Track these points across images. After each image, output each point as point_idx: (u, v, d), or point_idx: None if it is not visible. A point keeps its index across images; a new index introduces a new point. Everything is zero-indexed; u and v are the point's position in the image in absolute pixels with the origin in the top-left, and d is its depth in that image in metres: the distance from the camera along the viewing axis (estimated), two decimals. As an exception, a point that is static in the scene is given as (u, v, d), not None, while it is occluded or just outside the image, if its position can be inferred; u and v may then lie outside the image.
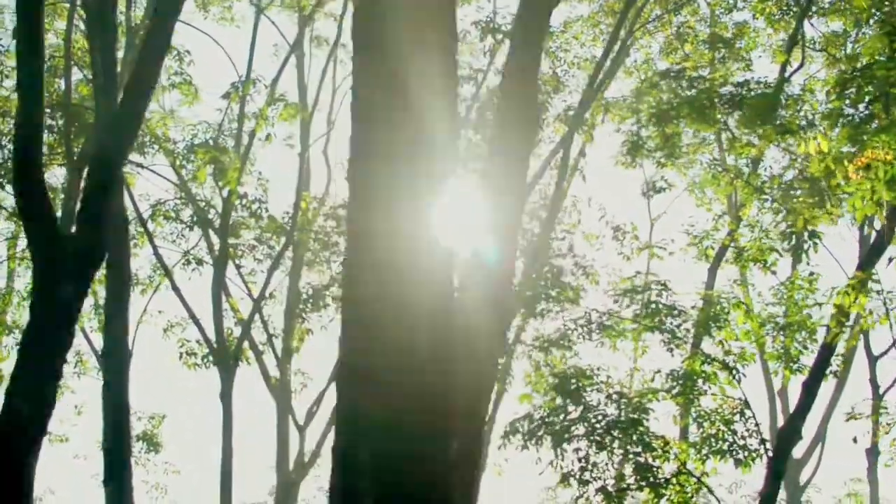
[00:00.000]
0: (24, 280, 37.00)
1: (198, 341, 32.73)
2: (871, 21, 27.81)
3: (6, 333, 35.58)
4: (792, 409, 30.28)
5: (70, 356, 36.10)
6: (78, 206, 16.26)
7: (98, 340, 36.57)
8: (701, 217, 33.05)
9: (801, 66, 29.58)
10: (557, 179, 30.04)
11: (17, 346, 35.18)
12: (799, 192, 24.14)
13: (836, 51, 30.70)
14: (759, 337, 24.61)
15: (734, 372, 23.06)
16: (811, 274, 25.75)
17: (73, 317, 15.26)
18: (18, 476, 14.58)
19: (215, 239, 32.82)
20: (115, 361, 22.06)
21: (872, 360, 32.96)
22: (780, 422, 33.20)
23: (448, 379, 8.44)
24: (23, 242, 35.44)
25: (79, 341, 36.19)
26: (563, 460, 23.59)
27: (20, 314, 36.23)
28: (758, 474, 22.96)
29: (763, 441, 22.43)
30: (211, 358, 31.94)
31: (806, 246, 21.92)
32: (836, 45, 30.92)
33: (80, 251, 15.10)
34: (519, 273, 27.68)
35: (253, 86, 31.06)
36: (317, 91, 34.03)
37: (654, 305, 23.55)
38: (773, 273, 26.46)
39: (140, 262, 35.60)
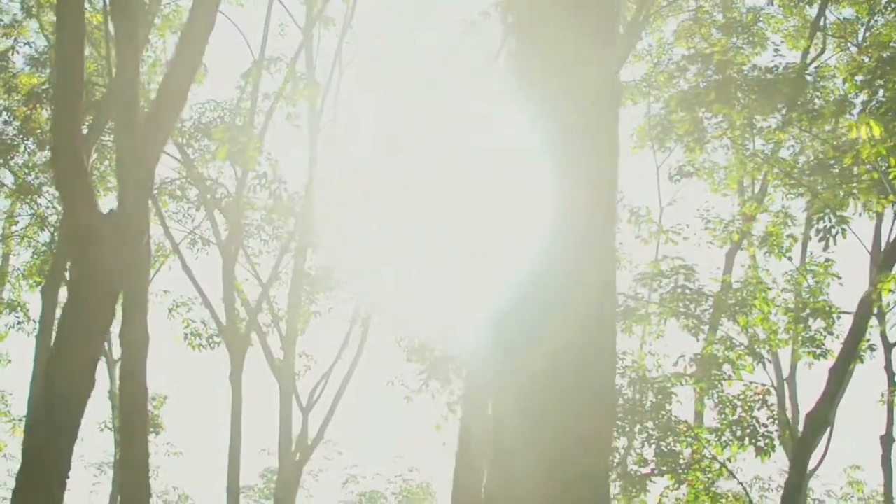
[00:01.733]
0: (21, 258, 36.75)
1: (203, 322, 32.51)
2: (887, 9, 27.75)
3: (7, 312, 35.27)
4: (800, 396, 30.24)
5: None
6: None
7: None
8: (714, 202, 32.94)
9: (823, 52, 29.46)
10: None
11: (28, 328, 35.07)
12: (826, 177, 24.00)
13: (851, 38, 30.60)
14: (771, 323, 24.49)
15: (759, 357, 22.94)
16: (827, 260, 25.67)
17: (114, 294, 15.00)
18: (59, 455, 14.37)
19: (220, 219, 32.60)
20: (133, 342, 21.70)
21: (888, 347, 32.83)
22: (789, 409, 33.12)
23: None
24: (23, 221, 35.21)
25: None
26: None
27: (18, 293, 35.97)
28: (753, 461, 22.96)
29: (789, 428, 22.32)
30: (217, 339, 31.69)
31: (834, 231, 21.77)
32: (848, 31, 30.82)
33: (122, 227, 14.86)
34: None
35: (273, 65, 30.81)
36: (330, 72, 33.64)
37: (680, 290, 23.39)
38: (789, 259, 26.39)
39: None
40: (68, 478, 14.53)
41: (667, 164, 34.34)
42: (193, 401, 76.24)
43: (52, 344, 14.76)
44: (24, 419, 36.74)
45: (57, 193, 33.98)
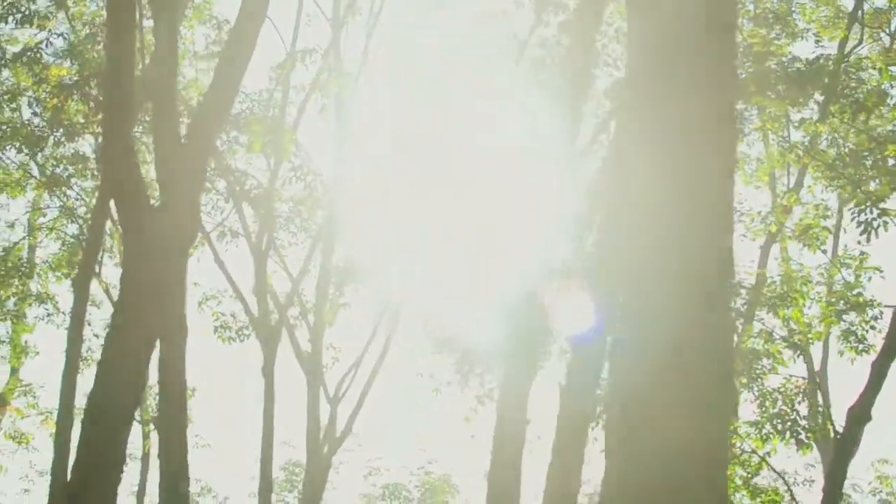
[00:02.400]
0: (48, 251, 36.67)
1: (232, 314, 32.51)
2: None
3: (35, 304, 35.19)
4: (832, 390, 30.05)
5: (100, 328, 35.90)
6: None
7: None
8: (745, 194, 32.60)
9: (860, 43, 29.23)
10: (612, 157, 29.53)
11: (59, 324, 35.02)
12: (858, 169, 23.82)
13: (885, 28, 30.37)
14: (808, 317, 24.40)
15: (799, 350, 22.84)
16: (861, 253, 25.52)
17: (168, 292, 14.94)
18: (114, 450, 14.34)
19: (248, 211, 32.56)
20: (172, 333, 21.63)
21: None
22: (820, 403, 32.94)
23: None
24: (51, 213, 35.13)
25: (110, 313, 35.84)
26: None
27: (46, 285, 35.91)
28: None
29: (831, 421, 22.17)
30: (247, 331, 31.67)
31: (875, 224, 21.64)
32: (882, 21, 30.58)
33: (175, 225, 14.80)
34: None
35: (309, 56, 30.72)
36: (360, 63, 33.48)
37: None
38: (823, 252, 26.25)
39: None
40: (123, 471, 14.53)
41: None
42: (218, 393, 76.16)
43: (105, 341, 14.63)
44: (55, 412, 36.82)
45: (85, 185, 34.11)
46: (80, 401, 33.76)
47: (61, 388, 27.63)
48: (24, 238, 36.35)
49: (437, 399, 35.35)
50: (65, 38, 29.83)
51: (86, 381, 29.85)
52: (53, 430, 37.25)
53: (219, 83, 15.70)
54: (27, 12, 27.52)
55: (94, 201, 34.20)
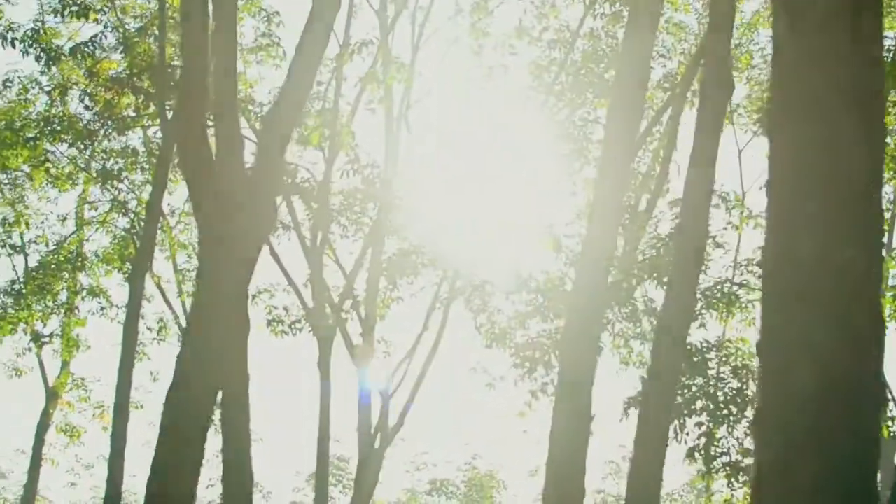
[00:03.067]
0: (97, 245, 36.64)
1: (285, 308, 32.43)
2: None
3: (88, 298, 35.17)
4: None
5: (153, 322, 35.93)
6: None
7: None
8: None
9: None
10: (666, 148, 29.36)
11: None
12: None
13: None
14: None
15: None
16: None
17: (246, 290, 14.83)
18: (194, 449, 14.23)
19: (297, 205, 32.42)
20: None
21: None
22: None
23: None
24: (103, 207, 35.11)
25: (161, 307, 35.89)
26: (687, 434, 23.19)
27: (97, 278, 35.88)
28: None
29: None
30: (299, 325, 31.58)
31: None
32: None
33: (253, 223, 14.66)
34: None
35: (366, 48, 30.57)
36: (413, 54, 33.28)
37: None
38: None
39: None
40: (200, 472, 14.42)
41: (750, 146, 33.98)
42: (267, 387, 76.26)
43: (189, 319, 14.51)
44: (109, 406, 36.82)
45: (135, 179, 34.07)
46: (135, 396, 33.93)
47: (117, 384, 27.51)
48: (74, 232, 36.27)
49: (482, 394, 35.21)
50: (117, 32, 29.63)
51: (137, 376, 29.92)
52: (109, 425, 37.43)
53: (293, 81, 15.51)
54: (83, 5, 27.42)
55: (144, 195, 34.21)
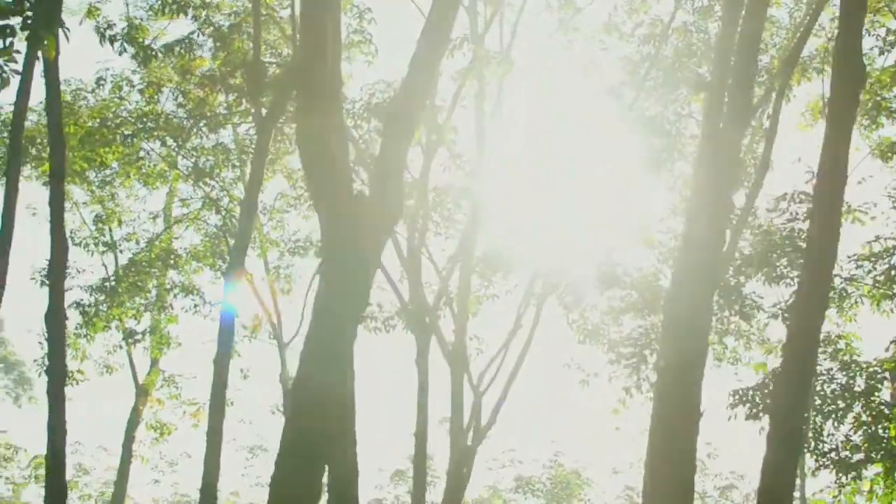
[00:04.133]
0: (186, 241, 36.69)
1: (378, 305, 32.34)
2: None
3: (181, 295, 35.21)
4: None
5: (247, 320, 35.94)
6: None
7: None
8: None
9: None
10: (765, 143, 28.89)
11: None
12: None
13: None
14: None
15: None
16: None
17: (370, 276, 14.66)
18: (323, 444, 14.11)
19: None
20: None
21: None
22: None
23: None
24: (195, 204, 35.16)
25: (254, 305, 35.90)
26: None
27: (189, 277, 35.90)
28: None
29: None
30: (392, 322, 31.51)
31: None
32: None
33: (380, 212, 14.54)
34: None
35: (467, 44, 30.43)
36: (507, 47, 33.02)
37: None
38: None
39: (313, 223, 35.20)
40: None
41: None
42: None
43: (311, 327, 14.31)
44: (199, 404, 37.01)
45: (227, 176, 34.11)
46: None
47: (213, 380, 27.47)
48: (166, 229, 36.34)
49: (575, 391, 34.99)
50: (210, 29, 29.62)
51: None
52: (200, 422, 37.50)
53: (417, 72, 15.36)
54: (182, 2, 27.40)
55: (235, 192, 34.26)
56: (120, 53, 26.78)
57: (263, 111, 28.79)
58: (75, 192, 36.38)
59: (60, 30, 15.80)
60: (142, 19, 29.82)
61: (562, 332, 33.89)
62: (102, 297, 33.96)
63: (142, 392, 38.39)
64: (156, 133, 31.19)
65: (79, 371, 35.38)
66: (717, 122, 26.00)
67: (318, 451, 13.88)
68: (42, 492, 52.44)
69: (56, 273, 22.86)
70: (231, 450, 57.24)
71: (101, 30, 26.29)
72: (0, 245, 27.40)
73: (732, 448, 75.63)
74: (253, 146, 32.59)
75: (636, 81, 33.50)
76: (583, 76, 34.16)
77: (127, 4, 29.59)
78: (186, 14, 27.60)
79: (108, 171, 34.69)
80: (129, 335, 35.65)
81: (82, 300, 33.63)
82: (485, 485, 57.40)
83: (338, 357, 14.03)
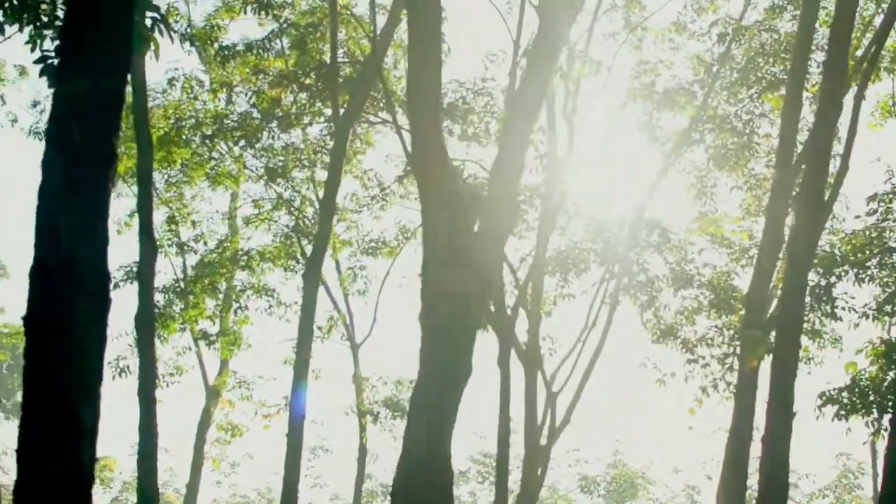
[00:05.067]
0: (256, 242, 36.70)
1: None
2: None
3: (256, 296, 35.21)
4: None
5: (322, 320, 35.93)
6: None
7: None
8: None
9: None
10: (846, 140, 28.62)
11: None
12: None
13: None
14: None
15: None
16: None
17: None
18: (443, 445, 14.13)
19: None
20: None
21: None
22: None
23: None
24: (267, 204, 35.14)
25: (328, 305, 35.93)
26: (885, 430, 22.70)
27: (259, 278, 35.85)
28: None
29: None
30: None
31: None
32: None
33: (497, 216, 14.53)
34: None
35: None
36: (584, 48, 32.96)
37: None
38: None
39: (384, 223, 35.43)
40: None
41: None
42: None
43: (430, 336, 14.31)
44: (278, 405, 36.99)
45: (298, 176, 34.14)
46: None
47: (293, 382, 27.51)
48: (239, 231, 36.33)
49: (650, 390, 34.90)
50: (295, 28, 29.67)
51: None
52: (271, 423, 37.55)
53: (530, 83, 15.33)
54: (266, 2, 27.47)
55: (307, 192, 34.29)
56: (200, 54, 26.86)
57: (340, 111, 28.86)
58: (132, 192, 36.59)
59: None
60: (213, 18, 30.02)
61: (635, 331, 33.74)
62: (175, 299, 34.00)
63: (213, 393, 38.44)
64: (237, 133, 31.15)
65: (172, 373, 35.85)
66: (796, 118, 25.95)
67: (443, 446, 13.92)
68: (106, 493, 52.65)
69: (146, 275, 23.00)
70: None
71: (180, 31, 26.44)
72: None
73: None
74: (325, 147, 32.70)
75: (707, 80, 33.36)
76: (653, 75, 33.99)
77: (187, 3, 29.80)
78: (268, 13, 27.59)
79: (173, 172, 34.74)
80: (202, 337, 35.61)
81: (158, 301, 33.72)
82: (546, 484, 57.42)
83: (460, 362, 14.03)
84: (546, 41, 15.24)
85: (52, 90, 15.48)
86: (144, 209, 22.93)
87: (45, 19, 15.92)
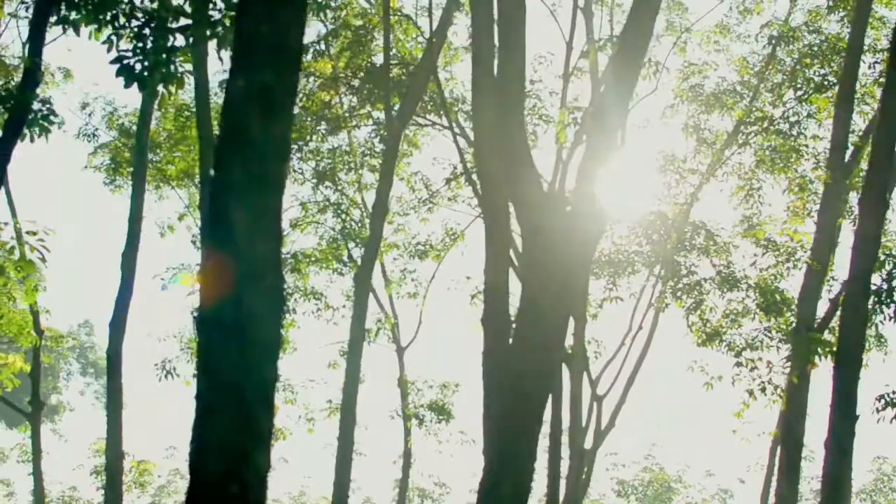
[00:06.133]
0: (300, 243, 36.68)
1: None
2: None
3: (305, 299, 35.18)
4: None
5: (371, 322, 35.89)
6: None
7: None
8: None
9: None
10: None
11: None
12: None
13: None
14: None
15: None
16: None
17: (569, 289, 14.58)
18: (530, 445, 14.04)
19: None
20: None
21: None
22: None
23: None
24: (315, 207, 35.12)
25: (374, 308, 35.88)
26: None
27: (305, 280, 35.83)
28: None
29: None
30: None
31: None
32: None
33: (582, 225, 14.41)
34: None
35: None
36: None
37: None
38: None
39: (431, 226, 35.36)
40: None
41: None
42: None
43: (518, 337, 14.20)
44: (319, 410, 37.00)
45: (348, 179, 34.15)
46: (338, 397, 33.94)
47: (345, 385, 27.51)
48: (288, 233, 36.28)
49: (698, 394, 34.84)
50: (350, 30, 29.70)
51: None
52: (314, 427, 37.54)
53: (618, 83, 15.19)
54: (324, 4, 27.46)
55: (355, 195, 34.32)
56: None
57: (393, 114, 28.88)
58: (174, 194, 36.75)
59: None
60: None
61: (681, 334, 33.66)
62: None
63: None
64: (298, 134, 31.12)
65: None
66: (847, 120, 25.90)
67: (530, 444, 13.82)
68: (140, 497, 52.42)
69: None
70: (327, 454, 57.43)
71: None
72: (129, 246, 27.68)
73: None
74: (372, 150, 32.73)
75: (751, 83, 33.37)
76: (701, 77, 33.93)
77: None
78: (326, 14, 27.55)
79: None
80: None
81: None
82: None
83: (548, 364, 13.92)
84: (635, 36, 15.05)
85: (125, 89, 15.59)
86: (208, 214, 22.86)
87: (123, 20, 15.98)
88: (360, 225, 33.95)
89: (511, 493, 13.83)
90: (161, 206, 37.64)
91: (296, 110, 30.31)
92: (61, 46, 71.81)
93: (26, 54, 16.39)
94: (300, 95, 31.71)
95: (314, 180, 33.81)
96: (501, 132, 15.25)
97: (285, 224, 35.79)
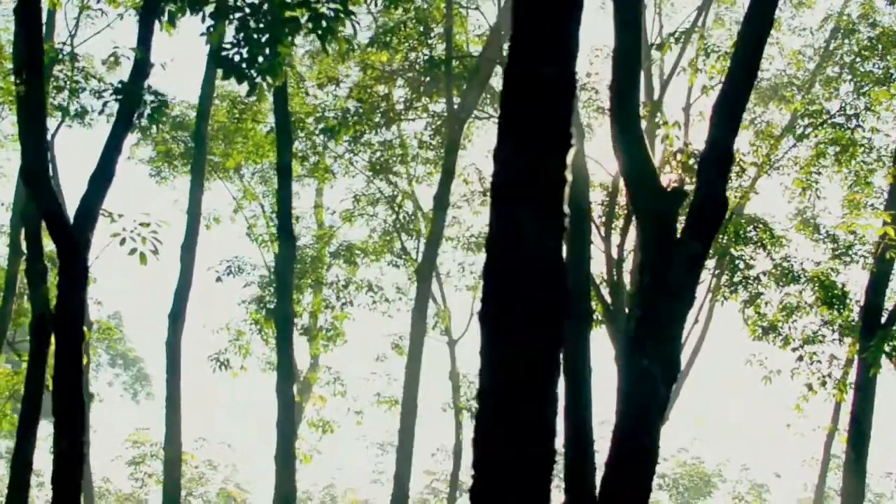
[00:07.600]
0: (350, 237, 36.48)
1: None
2: None
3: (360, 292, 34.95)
4: None
5: (429, 319, 35.69)
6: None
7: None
8: None
9: None
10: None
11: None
12: None
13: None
14: None
15: None
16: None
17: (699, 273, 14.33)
18: (652, 439, 13.85)
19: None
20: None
21: None
22: None
23: None
24: (365, 200, 34.88)
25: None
26: None
27: (354, 271, 35.61)
28: None
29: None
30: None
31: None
32: None
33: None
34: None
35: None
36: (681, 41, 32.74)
37: None
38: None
39: (482, 219, 34.92)
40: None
41: None
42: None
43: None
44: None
45: (402, 172, 33.90)
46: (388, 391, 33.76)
47: (406, 380, 27.20)
48: (340, 225, 36.13)
49: (753, 387, 34.70)
50: (420, 21, 29.40)
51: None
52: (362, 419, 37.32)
53: (734, 76, 14.92)
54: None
55: (406, 187, 34.06)
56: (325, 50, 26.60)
57: (455, 107, 28.62)
58: (222, 187, 36.57)
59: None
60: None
61: (737, 327, 33.44)
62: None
63: (305, 388, 38.15)
64: (357, 127, 30.73)
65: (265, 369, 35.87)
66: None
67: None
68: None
69: (285, 273, 22.70)
70: (360, 446, 57.27)
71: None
72: (188, 239, 27.48)
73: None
74: (428, 142, 32.48)
75: (806, 76, 33.20)
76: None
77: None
78: (397, 7, 27.21)
79: (265, 166, 34.59)
80: (306, 332, 35.39)
81: (263, 296, 33.63)
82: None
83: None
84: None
85: (224, 80, 15.33)
86: (284, 205, 22.56)
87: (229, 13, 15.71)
88: (412, 217, 33.74)
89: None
90: (206, 198, 37.41)
91: (351, 103, 30.10)
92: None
93: (135, 45, 16.08)
94: (355, 88, 31.52)
95: (369, 173, 33.56)
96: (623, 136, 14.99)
97: (336, 216, 35.96)
